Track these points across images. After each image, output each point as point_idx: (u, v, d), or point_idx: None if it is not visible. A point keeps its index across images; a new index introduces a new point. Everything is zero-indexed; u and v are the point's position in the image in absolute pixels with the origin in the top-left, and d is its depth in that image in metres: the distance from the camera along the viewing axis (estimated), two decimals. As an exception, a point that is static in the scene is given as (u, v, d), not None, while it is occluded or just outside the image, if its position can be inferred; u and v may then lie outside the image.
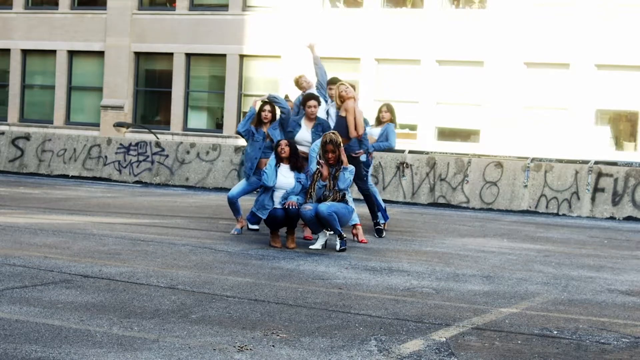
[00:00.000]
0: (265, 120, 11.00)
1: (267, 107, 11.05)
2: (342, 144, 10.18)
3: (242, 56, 27.35)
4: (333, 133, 10.13)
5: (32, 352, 4.96)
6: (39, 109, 30.44)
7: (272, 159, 10.18)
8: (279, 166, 10.12)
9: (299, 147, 10.71)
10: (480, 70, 24.56)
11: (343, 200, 10.06)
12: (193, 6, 28.19)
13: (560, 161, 17.33)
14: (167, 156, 19.95)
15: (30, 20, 30.11)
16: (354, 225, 10.85)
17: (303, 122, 11.09)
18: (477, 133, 24.85)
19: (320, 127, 11.02)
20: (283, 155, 10.10)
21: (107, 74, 28.93)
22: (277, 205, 10.01)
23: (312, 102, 11.00)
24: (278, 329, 5.82)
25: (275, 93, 10.74)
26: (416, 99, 25.13)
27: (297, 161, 10.16)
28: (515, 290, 7.83)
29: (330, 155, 9.97)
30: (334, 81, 11.55)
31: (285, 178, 10.09)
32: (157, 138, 22.54)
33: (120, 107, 28.65)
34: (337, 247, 9.87)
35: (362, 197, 12.00)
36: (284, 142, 10.22)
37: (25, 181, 19.31)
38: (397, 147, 19.04)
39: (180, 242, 10.03)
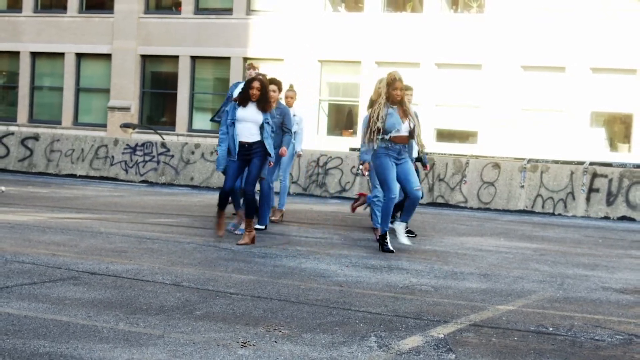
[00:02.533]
0: (254, 99, 9.97)
1: (256, 85, 9.96)
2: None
3: (246, 59, 27.35)
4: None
5: (41, 347, 4.96)
6: (47, 110, 30.46)
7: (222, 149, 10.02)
8: (245, 105, 9.93)
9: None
10: (478, 73, 24.56)
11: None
12: (198, 10, 28.19)
13: (556, 162, 17.34)
14: (172, 156, 19.96)
15: (39, 23, 30.12)
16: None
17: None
18: (475, 134, 24.85)
19: (278, 110, 11.21)
20: (253, 99, 9.92)
21: (114, 76, 28.94)
22: (243, 138, 9.88)
23: (272, 87, 10.97)
24: (280, 325, 5.82)
25: None
26: (415, 101, 25.05)
27: (265, 103, 9.96)
28: (512, 288, 7.83)
29: (400, 92, 9.75)
30: (273, 81, 11.38)
31: (252, 114, 9.92)
32: (163, 139, 22.55)
33: (127, 109, 28.66)
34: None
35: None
36: (256, 84, 9.93)
37: (34, 180, 19.32)
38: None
39: (185, 240, 10.03)
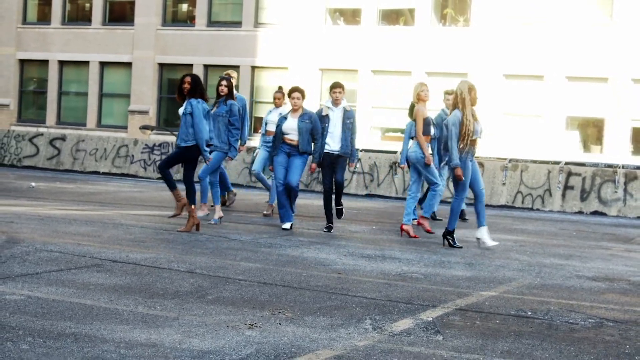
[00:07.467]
0: (222, 94, 11.03)
1: (224, 82, 11.05)
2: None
3: (253, 67, 27.34)
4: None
5: (67, 328, 4.96)
6: (73, 113, 30.43)
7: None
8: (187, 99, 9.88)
9: (287, 136, 10.54)
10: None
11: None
12: (210, 23, 28.17)
13: (535, 162, 17.31)
14: (186, 155, 19.90)
15: (66, 34, 30.09)
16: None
17: (290, 114, 10.86)
18: (461, 136, 24.79)
19: (306, 116, 10.71)
20: (185, 93, 9.85)
21: (134, 82, 28.93)
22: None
23: (296, 94, 10.80)
24: (284, 308, 5.82)
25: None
26: (407, 106, 25.07)
27: (201, 92, 9.89)
28: (494, 275, 7.83)
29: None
30: (337, 85, 11.25)
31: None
32: (178, 139, 22.50)
33: (146, 112, 28.64)
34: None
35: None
36: (187, 79, 9.88)
37: (61, 177, 19.31)
38: (390, 149, 18.96)
39: (198, 231, 10.02)
